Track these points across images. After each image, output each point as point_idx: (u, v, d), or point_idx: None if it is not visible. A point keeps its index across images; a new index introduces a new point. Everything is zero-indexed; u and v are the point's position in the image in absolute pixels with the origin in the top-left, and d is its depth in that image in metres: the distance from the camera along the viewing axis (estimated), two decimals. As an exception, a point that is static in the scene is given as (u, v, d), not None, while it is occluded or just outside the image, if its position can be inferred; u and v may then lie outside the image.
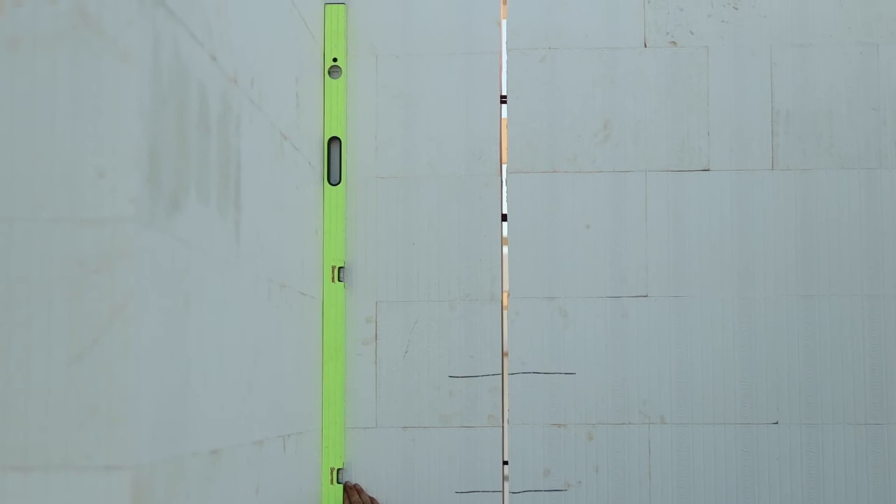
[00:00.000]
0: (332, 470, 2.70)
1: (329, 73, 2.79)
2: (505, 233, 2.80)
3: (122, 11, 1.37)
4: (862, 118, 2.79)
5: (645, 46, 2.82)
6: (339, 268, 2.74)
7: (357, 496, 2.70)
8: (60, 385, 1.35)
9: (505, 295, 2.79)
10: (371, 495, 2.72)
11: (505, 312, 2.79)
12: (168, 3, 1.50)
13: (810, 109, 2.80)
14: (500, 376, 2.76)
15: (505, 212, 2.80)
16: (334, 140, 2.77)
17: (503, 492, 2.75)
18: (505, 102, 2.82)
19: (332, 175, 2.76)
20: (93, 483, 1.34)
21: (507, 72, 2.83)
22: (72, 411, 1.34)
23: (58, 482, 1.34)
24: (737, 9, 2.82)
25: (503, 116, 2.82)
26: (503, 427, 2.76)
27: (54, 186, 1.36)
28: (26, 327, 1.35)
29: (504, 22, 2.85)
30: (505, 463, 2.76)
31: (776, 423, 2.74)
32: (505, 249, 2.80)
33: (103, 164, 1.36)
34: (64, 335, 1.35)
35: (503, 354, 2.77)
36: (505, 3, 2.85)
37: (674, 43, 2.82)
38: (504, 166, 2.81)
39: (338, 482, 2.70)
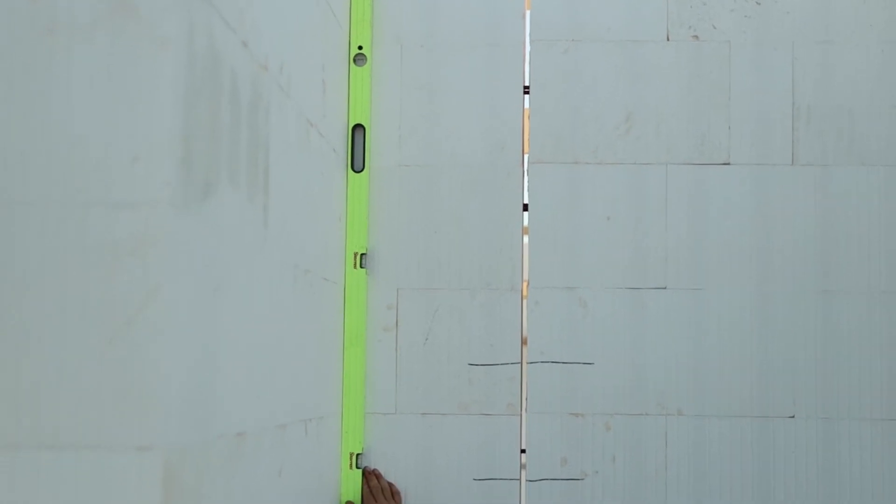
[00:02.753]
0: (351, 455, 2.71)
1: (354, 60, 2.80)
2: (526, 223, 2.81)
3: (160, -2, 1.39)
4: (883, 115, 2.79)
5: (668, 40, 2.83)
6: (362, 254, 2.76)
7: (375, 481, 2.71)
8: (93, 367, 1.37)
9: (525, 284, 2.80)
10: (389, 481, 2.74)
11: (525, 302, 2.80)
12: (203, -10, 1.52)
13: (831, 105, 2.80)
14: (520, 365, 2.78)
15: (526, 202, 2.81)
16: (358, 127, 2.78)
17: (520, 480, 2.76)
18: (528, 93, 2.83)
19: (356, 162, 2.78)
20: (124, 463, 1.36)
21: (530, 63, 2.84)
22: (104, 393, 1.36)
23: (90, 462, 1.36)
24: (759, 4, 2.83)
25: (526, 107, 2.83)
26: (521, 415, 2.78)
27: (89, 170, 1.38)
28: (61, 309, 1.37)
29: (528, 14, 2.86)
30: (522, 451, 2.77)
31: (792, 416, 2.75)
32: (525, 239, 2.81)
33: (138, 149, 1.38)
34: (97, 318, 1.37)
35: (522, 343, 2.79)
36: (529, -6, 2.87)
37: (696, 37, 2.83)
38: (526, 157, 2.82)
39: (357, 467, 2.72)
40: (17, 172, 1.38)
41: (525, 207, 2.81)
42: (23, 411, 1.36)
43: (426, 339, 2.77)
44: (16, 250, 1.37)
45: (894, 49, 2.81)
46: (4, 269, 1.37)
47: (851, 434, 2.74)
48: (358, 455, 2.72)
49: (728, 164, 2.80)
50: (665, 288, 2.78)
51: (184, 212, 1.44)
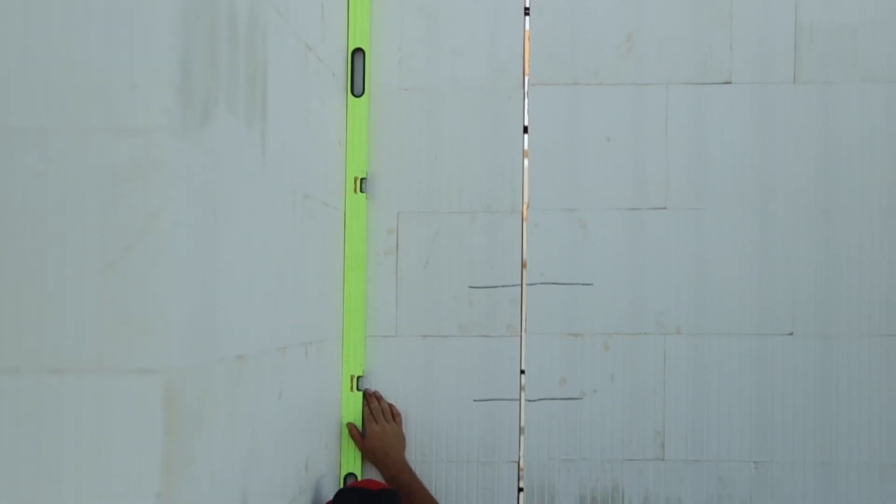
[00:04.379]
0: (352, 377, 2.74)
1: (353, -17, 2.79)
2: (526, 145, 2.81)
3: (156, -79, 1.39)
4: (886, 32, 2.78)
5: (668, -42, 2.82)
6: (362, 179, 2.76)
7: (376, 403, 2.74)
8: (94, 291, 1.38)
9: (525, 207, 2.81)
10: (390, 402, 2.77)
11: (525, 224, 2.80)
12: (199, -87, 1.51)
13: (834, 23, 2.79)
14: (520, 287, 2.79)
15: (526, 124, 2.81)
16: (358, 52, 2.77)
17: (520, 400, 2.79)
18: (528, 15, 2.82)
19: (356, 87, 2.77)
20: (126, 386, 1.39)
21: (530, -17, 2.82)
22: (105, 317, 1.38)
23: (92, 385, 1.38)
24: (762, -80, 2.81)
25: (526, 29, 2.82)
26: (521, 337, 2.80)
27: (88, 97, 1.39)
28: (61, 235, 1.38)
29: (528, -67, 2.84)
30: (522, 372, 2.80)
31: (791, 334, 2.77)
32: (526, 162, 2.81)
33: (136, 76, 1.39)
34: (98, 243, 1.38)
35: (522, 265, 2.80)
36: (529, -86, 2.84)
37: (698, -45, 2.81)
38: (527, 79, 2.81)
39: (357, 389, 2.74)
40: (16, 99, 1.39)
41: (525, 130, 2.81)
42: (25, 336, 1.38)
43: (426, 263, 2.78)
44: (16, 176, 1.38)
45: (897, -34, 2.80)
46: (5, 195, 1.38)
47: (850, 351, 2.76)
48: (358, 377, 2.75)
49: (729, 83, 2.79)
50: (665, 208, 2.79)
51: (182, 138, 1.45)
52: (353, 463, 2.73)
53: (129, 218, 1.38)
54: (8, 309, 1.38)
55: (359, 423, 2.73)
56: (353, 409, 2.74)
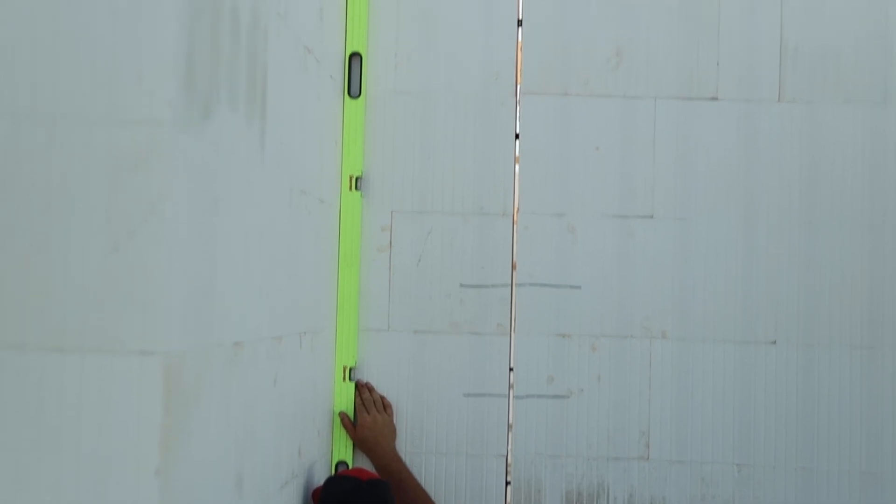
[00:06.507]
0: (344, 368, 2.80)
1: (352, -11, 2.84)
2: (517, 151, 2.87)
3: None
4: (867, 55, 2.84)
5: (658, -25, 2.88)
6: (357, 177, 2.82)
7: (368, 394, 2.80)
8: (98, 274, 1.43)
9: (516, 210, 2.86)
10: (381, 394, 2.83)
11: (515, 227, 2.86)
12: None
13: (819, 43, 2.85)
14: (510, 287, 2.85)
15: (518, 131, 2.87)
16: (355, 55, 2.83)
17: (508, 396, 2.84)
18: (521, 26, 2.87)
19: (353, 89, 2.83)
20: (127, 366, 1.43)
21: (523, -5, 2.88)
22: (108, 299, 1.43)
23: (94, 364, 1.43)
24: (750, -59, 2.87)
25: (519, 40, 2.87)
26: (510, 335, 2.85)
27: (95, 88, 1.44)
28: (67, 219, 1.43)
29: (522, -53, 2.89)
30: (511, 369, 2.85)
31: (774, 342, 2.83)
32: (517, 167, 2.87)
33: (142, 69, 1.44)
34: (102, 228, 1.43)
35: (513, 267, 2.86)
36: (524, -73, 2.90)
37: (687, -28, 2.88)
38: (519, 87, 2.87)
39: (350, 380, 2.80)
40: (25, 88, 1.43)
41: (517, 136, 2.86)
42: (31, 314, 1.42)
43: (419, 260, 2.84)
44: (24, 163, 1.43)
45: (881, -12, 2.86)
46: (13, 181, 1.43)
47: (832, 360, 2.82)
48: (351, 369, 2.81)
49: (716, 98, 2.85)
50: (652, 217, 2.85)
51: (185, 130, 1.50)
52: (344, 451, 2.79)
53: (133, 205, 1.42)
54: (14, 288, 1.41)
55: (351, 413, 2.79)
56: (345, 398, 2.79)
